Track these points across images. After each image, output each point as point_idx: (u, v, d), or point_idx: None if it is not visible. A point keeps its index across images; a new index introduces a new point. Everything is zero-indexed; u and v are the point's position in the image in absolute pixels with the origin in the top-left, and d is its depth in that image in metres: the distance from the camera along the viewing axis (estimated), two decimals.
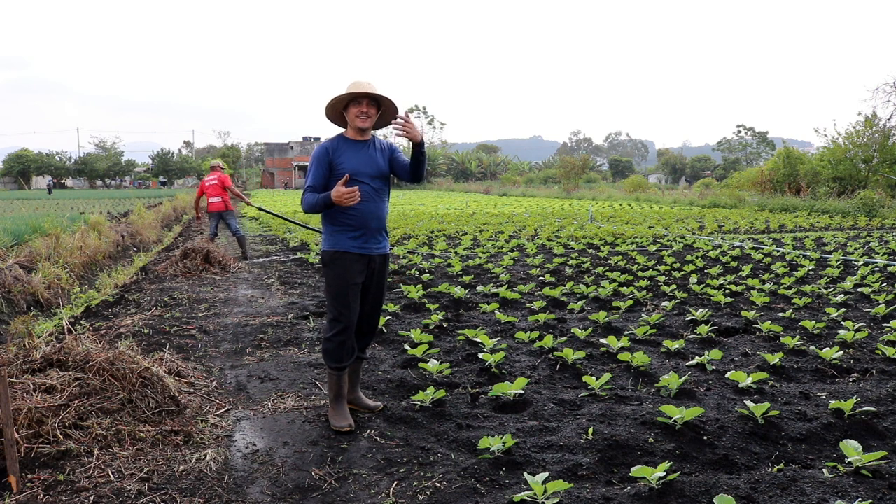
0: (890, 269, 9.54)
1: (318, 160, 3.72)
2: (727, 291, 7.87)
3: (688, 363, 4.92)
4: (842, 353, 4.98)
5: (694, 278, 8.63)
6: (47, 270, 8.75)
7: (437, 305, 6.91)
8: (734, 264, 10.12)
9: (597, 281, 8.67)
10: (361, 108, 3.70)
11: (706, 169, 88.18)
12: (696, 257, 10.73)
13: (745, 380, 4.28)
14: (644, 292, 7.70)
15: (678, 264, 9.94)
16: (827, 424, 3.66)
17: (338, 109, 3.80)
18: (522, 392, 4.12)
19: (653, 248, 12.46)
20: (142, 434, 3.55)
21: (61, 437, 3.38)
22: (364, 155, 3.75)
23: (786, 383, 4.52)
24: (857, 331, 5.64)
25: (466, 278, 8.60)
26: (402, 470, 3.26)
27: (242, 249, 11.33)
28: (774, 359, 4.78)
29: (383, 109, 3.82)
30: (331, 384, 3.83)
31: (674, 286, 7.99)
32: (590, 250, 12.29)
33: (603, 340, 5.32)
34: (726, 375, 4.46)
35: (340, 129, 3.92)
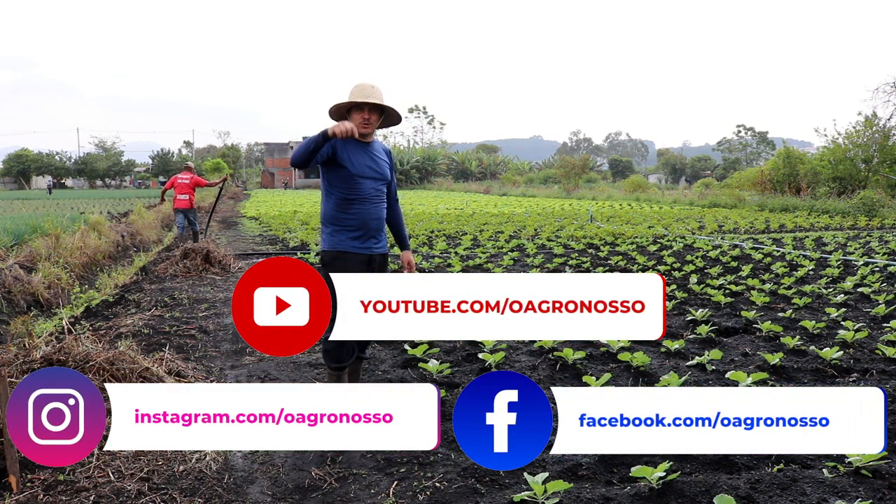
0: (890, 269, 9.54)
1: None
2: (727, 291, 7.87)
3: (688, 363, 4.92)
4: (842, 353, 4.98)
5: (694, 278, 8.63)
6: (47, 270, 8.76)
7: None
8: (734, 264, 10.12)
9: None
10: (363, 115, 3.71)
11: (706, 169, 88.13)
12: (696, 257, 10.73)
13: (745, 380, 4.28)
14: None
15: (678, 264, 9.94)
16: None
17: (341, 112, 3.82)
18: None
19: (653, 248, 12.46)
20: None
21: None
22: (367, 157, 3.77)
23: (786, 383, 4.52)
24: (857, 331, 5.64)
25: None
26: (402, 470, 3.26)
27: (195, 239, 11.86)
28: (774, 359, 4.78)
29: (387, 113, 3.84)
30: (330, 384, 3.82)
31: (674, 286, 7.99)
32: (590, 250, 12.29)
33: (603, 340, 5.32)
34: (726, 375, 4.46)
35: None
